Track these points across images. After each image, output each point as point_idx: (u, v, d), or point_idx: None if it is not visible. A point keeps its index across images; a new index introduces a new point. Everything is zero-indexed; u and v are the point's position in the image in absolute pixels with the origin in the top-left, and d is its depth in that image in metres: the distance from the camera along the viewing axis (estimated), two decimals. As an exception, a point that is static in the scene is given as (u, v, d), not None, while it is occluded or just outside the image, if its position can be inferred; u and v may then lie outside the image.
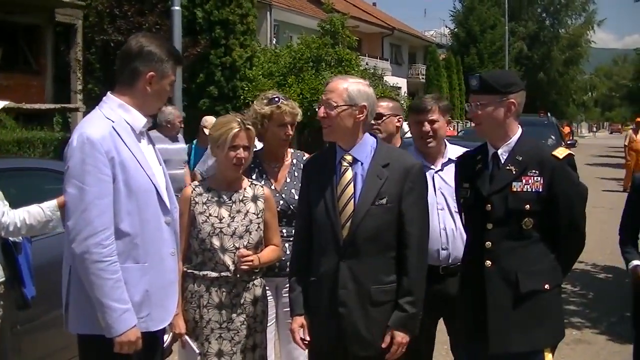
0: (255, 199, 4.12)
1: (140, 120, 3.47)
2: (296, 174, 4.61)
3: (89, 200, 3.20)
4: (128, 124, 3.42)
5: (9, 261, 4.23)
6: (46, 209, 4.01)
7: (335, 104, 3.58)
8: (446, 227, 4.40)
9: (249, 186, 4.17)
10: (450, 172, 4.30)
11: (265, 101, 4.57)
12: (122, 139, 3.34)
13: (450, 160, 4.48)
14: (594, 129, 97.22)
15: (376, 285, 3.57)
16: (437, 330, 4.64)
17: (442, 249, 4.39)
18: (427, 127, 4.46)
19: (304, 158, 4.71)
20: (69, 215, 3.27)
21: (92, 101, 17.98)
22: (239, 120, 4.08)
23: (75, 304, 3.37)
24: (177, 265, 3.65)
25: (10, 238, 4.22)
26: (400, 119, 4.88)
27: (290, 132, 4.59)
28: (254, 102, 4.68)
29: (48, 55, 21.19)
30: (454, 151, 4.55)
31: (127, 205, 3.32)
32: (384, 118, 4.69)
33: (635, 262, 4.82)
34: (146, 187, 3.39)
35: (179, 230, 3.69)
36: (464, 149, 4.50)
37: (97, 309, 3.24)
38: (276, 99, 4.54)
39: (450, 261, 4.39)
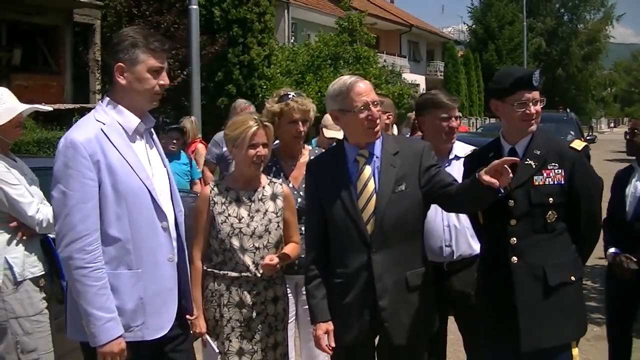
0: (274, 197, 4.12)
1: (132, 121, 3.34)
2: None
3: (72, 204, 3.12)
4: (120, 125, 3.31)
5: (48, 256, 4.26)
6: None
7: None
8: (449, 223, 4.38)
9: (268, 184, 4.15)
10: (455, 168, 4.32)
11: (276, 98, 4.56)
12: (111, 141, 3.23)
13: (456, 157, 4.50)
14: (611, 125, 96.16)
15: (410, 270, 3.61)
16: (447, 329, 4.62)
17: (446, 246, 4.37)
18: (454, 122, 4.46)
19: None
20: (55, 220, 3.21)
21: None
22: (256, 118, 4.08)
23: (71, 311, 3.32)
24: (176, 272, 3.46)
25: (49, 234, 4.24)
26: (390, 116, 4.86)
27: (302, 129, 4.53)
28: (268, 99, 4.67)
29: (67, 56, 21.24)
30: (460, 148, 4.57)
31: (116, 209, 3.21)
32: None
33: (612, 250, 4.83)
34: (137, 191, 3.27)
35: (183, 233, 3.56)
36: (469, 146, 4.57)
37: (82, 316, 3.17)
38: (288, 96, 4.51)
39: (454, 258, 4.38)
